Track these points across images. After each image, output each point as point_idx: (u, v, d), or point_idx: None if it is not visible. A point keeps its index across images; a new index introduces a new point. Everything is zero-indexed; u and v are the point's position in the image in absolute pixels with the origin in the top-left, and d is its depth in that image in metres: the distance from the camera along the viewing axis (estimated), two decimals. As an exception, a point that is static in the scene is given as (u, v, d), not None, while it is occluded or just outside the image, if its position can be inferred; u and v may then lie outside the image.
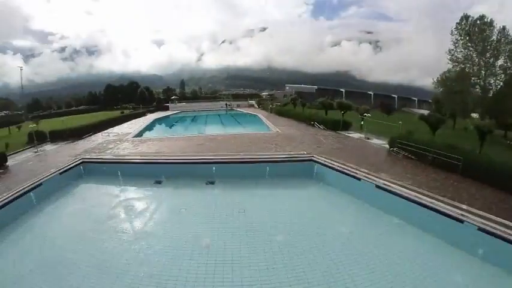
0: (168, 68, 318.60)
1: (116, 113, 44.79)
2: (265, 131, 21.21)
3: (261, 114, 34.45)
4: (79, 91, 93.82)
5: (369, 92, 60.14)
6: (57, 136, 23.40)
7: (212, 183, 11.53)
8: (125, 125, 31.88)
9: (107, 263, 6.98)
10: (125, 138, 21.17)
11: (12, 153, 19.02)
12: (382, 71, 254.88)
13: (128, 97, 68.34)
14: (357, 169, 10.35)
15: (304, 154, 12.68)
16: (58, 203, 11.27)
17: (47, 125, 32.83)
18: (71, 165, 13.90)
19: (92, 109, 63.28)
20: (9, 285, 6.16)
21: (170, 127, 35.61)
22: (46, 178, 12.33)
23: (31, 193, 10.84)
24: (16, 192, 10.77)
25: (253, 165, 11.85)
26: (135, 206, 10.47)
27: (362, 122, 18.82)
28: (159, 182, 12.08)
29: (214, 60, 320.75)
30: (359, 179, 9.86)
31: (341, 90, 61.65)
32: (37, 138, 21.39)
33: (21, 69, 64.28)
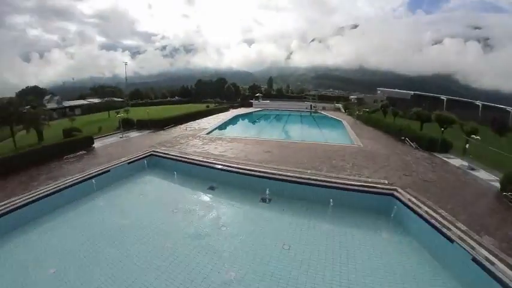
0: (258, 65, 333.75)
1: (202, 107, 47.78)
2: (346, 143, 18.75)
3: (346, 121, 31.36)
4: (176, 84, 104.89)
5: (477, 103, 48.62)
6: (143, 125, 25.71)
7: (266, 201, 10.60)
8: (205, 119, 33.52)
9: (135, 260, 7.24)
10: (198, 134, 21.93)
11: (102, 136, 21.72)
12: (493, 75, 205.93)
13: (216, 92, 73.00)
14: (451, 223, 7.61)
15: (384, 184, 10.33)
16: (118, 191, 12.46)
17: (138, 113, 37.15)
18: (140, 156, 14.99)
19: (183, 101, 69.80)
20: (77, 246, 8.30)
21: (249, 124, 35.85)
22: (115, 166, 13.25)
23: (97, 178, 12.34)
24: (86, 175, 12.00)
25: (318, 189, 10.39)
26: (183, 209, 10.62)
27: (467, 145, 14.43)
28: (212, 188, 11.69)
29: (304, 59, 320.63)
30: (451, 241, 7.03)
31: (441, 98, 51.74)
32: (124, 125, 23.93)
33: (125, 64, 77.26)
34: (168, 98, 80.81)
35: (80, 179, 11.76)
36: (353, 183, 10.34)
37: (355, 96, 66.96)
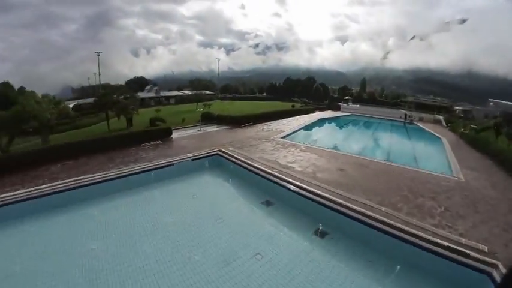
0: (351, 65, 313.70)
1: (287, 106, 47.15)
2: (441, 173, 14.41)
3: (447, 139, 25.35)
4: (266, 80, 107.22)
5: None
6: (222, 120, 26.21)
7: (319, 234, 8.75)
8: (286, 120, 32.62)
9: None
10: (272, 137, 21.11)
11: (182, 127, 22.92)
12: None
13: (303, 91, 71.45)
14: None
15: (480, 252, 7.12)
16: (174, 186, 12.59)
17: (222, 107, 38.66)
18: (205, 154, 15.04)
19: (270, 98, 70.43)
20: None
21: (331, 131, 33.36)
22: (179, 161, 13.42)
23: (160, 170, 12.79)
24: (151, 166, 12.56)
25: (387, 238, 7.84)
26: (227, 221, 9.83)
27: None
28: (267, 203, 10.64)
29: (402, 59, 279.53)
30: None
31: None
32: (205, 119, 24.85)
33: (218, 60, 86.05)
34: (256, 94, 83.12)
35: (144, 169, 12.36)
36: (437, 241, 7.36)
37: (461, 108, 55.50)
